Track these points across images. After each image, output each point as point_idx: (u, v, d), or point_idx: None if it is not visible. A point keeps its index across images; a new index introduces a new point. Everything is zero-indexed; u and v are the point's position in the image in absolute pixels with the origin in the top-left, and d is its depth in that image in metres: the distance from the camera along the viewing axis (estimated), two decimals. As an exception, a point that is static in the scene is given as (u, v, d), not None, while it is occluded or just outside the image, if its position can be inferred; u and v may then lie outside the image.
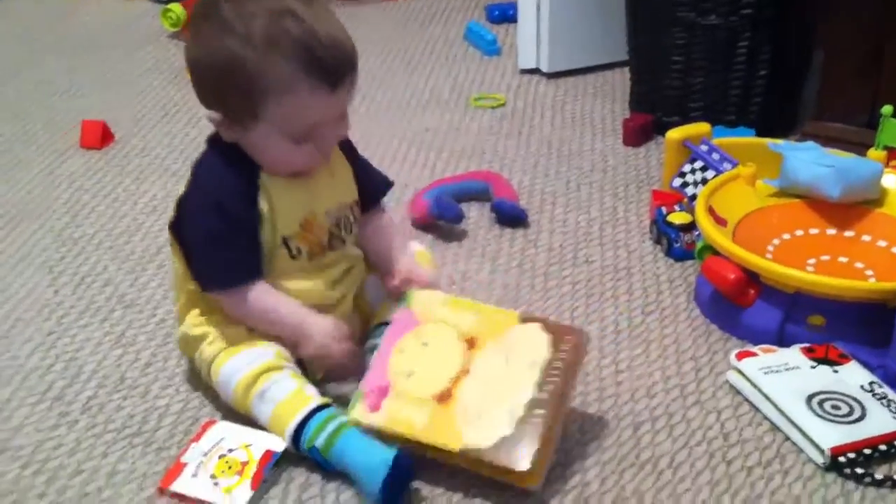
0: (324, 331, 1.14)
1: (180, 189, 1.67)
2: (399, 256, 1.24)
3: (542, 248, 1.53)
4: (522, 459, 1.02)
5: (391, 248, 1.25)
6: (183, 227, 1.16)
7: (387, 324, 1.18)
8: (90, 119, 1.89)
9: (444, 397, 1.08)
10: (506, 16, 2.46)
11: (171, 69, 2.23)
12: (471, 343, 1.12)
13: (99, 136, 1.86)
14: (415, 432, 1.06)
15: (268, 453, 1.08)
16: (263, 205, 1.13)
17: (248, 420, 1.12)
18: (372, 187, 1.26)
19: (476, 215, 1.62)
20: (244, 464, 1.07)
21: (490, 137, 1.89)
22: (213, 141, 1.17)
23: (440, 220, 1.56)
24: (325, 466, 1.08)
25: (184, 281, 1.19)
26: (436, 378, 1.10)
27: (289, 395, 1.10)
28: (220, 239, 1.13)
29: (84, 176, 1.76)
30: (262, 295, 1.14)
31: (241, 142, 1.13)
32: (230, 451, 1.09)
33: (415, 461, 1.05)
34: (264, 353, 1.13)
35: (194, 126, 1.95)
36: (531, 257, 1.50)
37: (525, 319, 1.14)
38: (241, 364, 1.12)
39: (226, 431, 1.11)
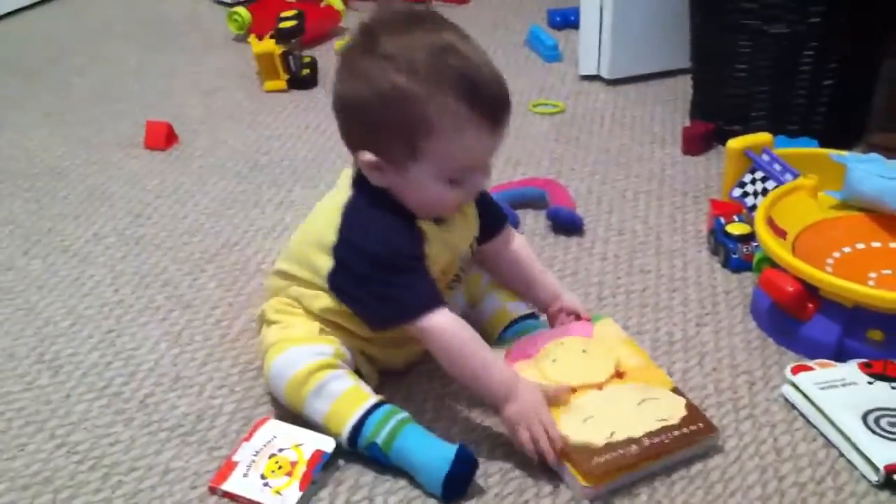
0: (537, 398, 1.08)
1: (242, 189, 1.70)
2: (558, 287, 1.26)
3: (596, 256, 1.52)
4: (594, 463, 1.06)
5: (542, 277, 1.26)
6: (345, 268, 1.12)
7: (526, 317, 1.27)
8: (155, 120, 1.93)
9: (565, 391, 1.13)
10: (568, 21, 2.45)
11: (236, 72, 2.26)
12: (619, 375, 1.16)
13: (163, 137, 1.89)
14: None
15: (317, 453, 1.09)
16: (427, 250, 1.12)
17: (299, 417, 1.14)
18: (491, 220, 1.24)
19: (532, 222, 1.62)
20: (294, 464, 1.08)
21: (548, 144, 1.89)
22: (361, 186, 1.13)
23: (496, 227, 1.56)
24: (385, 463, 1.09)
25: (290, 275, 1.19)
26: (571, 375, 1.14)
27: (347, 392, 1.11)
28: (398, 271, 1.09)
29: (147, 176, 1.79)
30: (456, 326, 1.09)
31: (393, 186, 1.10)
32: (280, 450, 1.10)
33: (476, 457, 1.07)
34: (323, 350, 1.14)
35: (256, 129, 1.97)
36: (586, 265, 1.50)
37: (676, 391, 1.16)
38: (298, 357, 1.13)
39: (277, 430, 1.13)
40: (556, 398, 1.10)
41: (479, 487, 1.08)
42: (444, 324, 1.08)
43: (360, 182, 1.14)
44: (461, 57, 1.04)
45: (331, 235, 1.12)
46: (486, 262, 1.27)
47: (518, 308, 1.28)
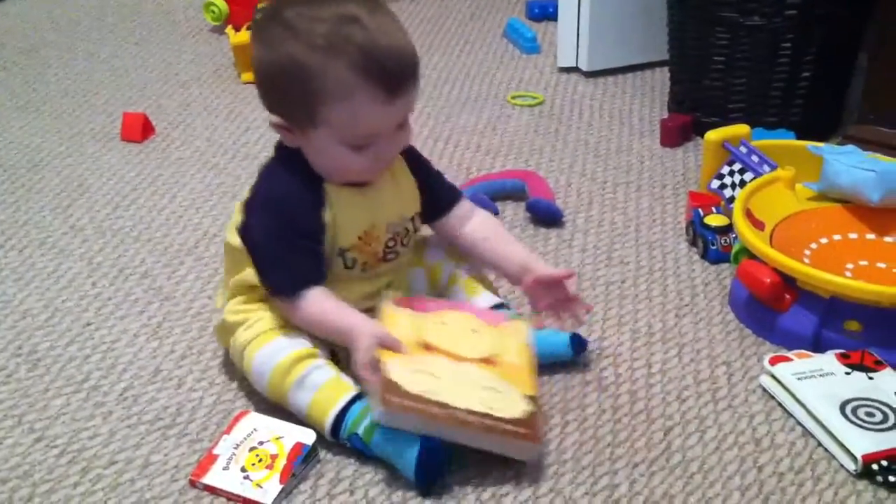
0: (371, 331, 1.09)
1: (220, 181, 1.70)
2: (526, 259, 1.23)
3: (576, 247, 1.53)
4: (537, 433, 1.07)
5: (508, 251, 1.25)
6: (248, 231, 1.16)
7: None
8: (131, 111, 1.91)
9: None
10: (546, 13, 2.45)
11: (212, 63, 2.25)
12: (487, 361, 1.13)
13: (140, 129, 1.88)
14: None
15: (297, 446, 1.08)
16: (328, 216, 1.14)
17: (279, 410, 1.14)
18: (437, 197, 1.25)
19: (511, 214, 1.62)
20: (274, 457, 1.08)
21: (527, 136, 1.89)
22: (280, 148, 1.18)
23: (475, 218, 1.56)
24: (366, 453, 1.09)
25: (232, 272, 1.20)
26: (442, 339, 1.13)
27: (329, 382, 1.11)
28: (285, 246, 1.13)
29: (124, 168, 1.78)
30: (319, 299, 1.13)
31: (303, 148, 1.14)
32: (261, 443, 1.10)
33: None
34: (300, 340, 1.14)
35: (233, 120, 1.96)
36: (566, 257, 1.50)
37: (530, 398, 1.10)
38: (278, 348, 1.13)
39: (257, 423, 1.12)
40: (390, 345, 1.08)
41: (458, 478, 1.08)
42: (311, 301, 1.12)
43: (279, 145, 1.18)
44: (360, 27, 1.07)
45: (247, 193, 1.18)
46: (451, 243, 1.27)
47: (481, 303, 1.24)
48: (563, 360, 1.24)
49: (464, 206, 1.27)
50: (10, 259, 1.50)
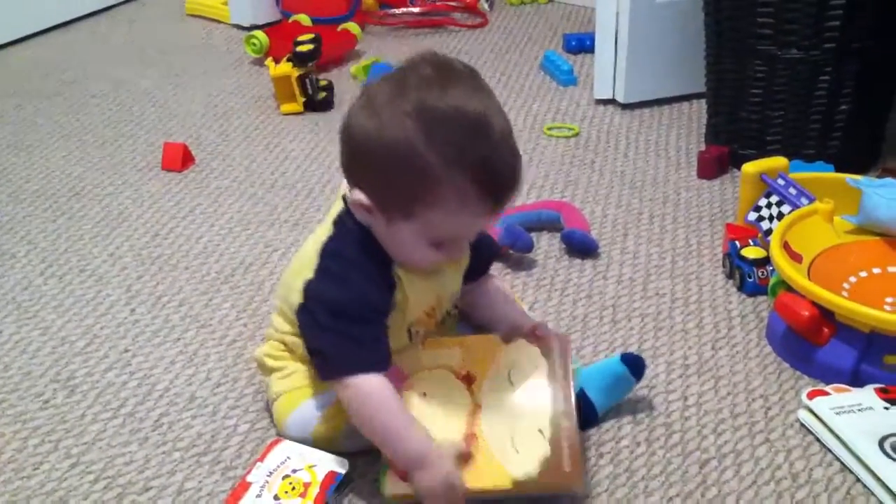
0: (447, 470, 1.03)
1: (258, 210, 1.71)
2: (518, 319, 1.21)
3: (611, 279, 1.52)
4: (572, 472, 1.05)
5: (513, 312, 1.23)
6: (309, 311, 1.09)
7: None
8: (172, 141, 1.94)
9: (469, 440, 1.07)
10: (583, 46, 2.46)
11: (252, 94, 2.27)
12: (468, 379, 1.13)
13: (180, 159, 1.90)
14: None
15: (331, 474, 1.09)
16: (398, 296, 1.10)
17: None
18: (481, 257, 1.23)
19: (546, 245, 1.62)
20: (307, 485, 1.08)
21: (563, 167, 1.89)
22: (344, 222, 1.11)
23: (511, 249, 1.56)
24: None
25: (280, 330, 1.18)
26: (452, 426, 1.08)
27: None
28: (356, 325, 1.07)
29: (164, 197, 1.80)
30: (380, 388, 1.05)
31: (376, 230, 1.08)
32: (294, 471, 1.10)
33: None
34: (329, 396, 1.13)
35: (272, 151, 1.98)
36: (600, 288, 1.50)
37: (506, 339, 1.16)
38: (311, 411, 1.14)
39: (291, 451, 1.13)
40: (464, 456, 1.05)
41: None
42: (372, 385, 1.05)
43: (342, 220, 1.12)
44: (486, 137, 1.01)
45: (308, 272, 1.10)
46: (470, 299, 1.25)
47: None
48: (626, 391, 1.22)
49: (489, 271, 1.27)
50: (51, 286, 1.53)
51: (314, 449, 1.12)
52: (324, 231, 1.13)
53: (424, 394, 1.11)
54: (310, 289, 1.09)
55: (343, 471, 1.09)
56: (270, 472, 1.10)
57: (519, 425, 1.08)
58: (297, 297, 1.10)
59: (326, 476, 1.09)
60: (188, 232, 1.68)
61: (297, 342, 1.16)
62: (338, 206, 1.13)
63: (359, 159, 1.06)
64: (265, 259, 1.59)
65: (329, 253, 1.10)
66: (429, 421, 1.07)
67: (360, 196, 1.06)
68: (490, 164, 1.01)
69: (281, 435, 1.17)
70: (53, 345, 1.38)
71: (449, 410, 1.10)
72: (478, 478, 1.04)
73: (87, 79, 2.39)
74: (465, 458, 1.05)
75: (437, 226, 1.04)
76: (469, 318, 1.26)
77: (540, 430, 1.07)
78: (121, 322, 1.43)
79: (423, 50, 1.08)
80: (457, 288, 1.19)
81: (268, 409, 1.22)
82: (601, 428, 1.20)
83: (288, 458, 1.12)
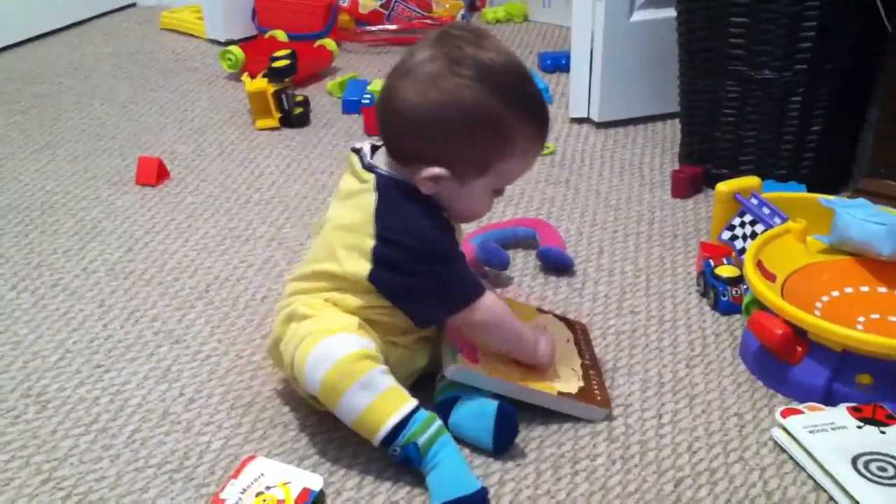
0: (551, 341, 1.25)
1: (233, 226, 1.70)
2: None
3: (587, 297, 1.53)
4: (602, 399, 1.26)
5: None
6: (392, 268, 1.14)
7: None
8: (147, 155, 1.93)
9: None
10: (558, 65, 2.47)
11: (228, 109, 2.27)
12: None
13: (154, 174, 1.89)
14: (515, 379, 1.21)
15: (304, 491, 1.08)
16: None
17: (286, 455, 1.12)
18: None
19: (522, 262, 1.62)
20: (281, 502, 1.07)
21: (538, 185, 1.90)
22: (386, 188, 1.15)
23: (486, 266, 1.56)
24: (415, 464, 1.10)
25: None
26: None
27: (392, 388, 1.11)
28: (448, 262, 1.16)
29: (138, 212, 1.79)
30: (498, 302, 1.21)
31: (442, 194, 1.15)
32: (268, 488, 1.09)
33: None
34: (365, 342, 1.12)
35: (247, 166, 1.98)
36: (576, 306, 1.50)
37: (540, 310, 1.40)
38: (341, 345, 1.10)
39: (265, 468, 1.12)
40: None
41: None
42: (490, 304, 1.18)
43: (384, 184, 1.15)
44: (529, 79, 1.15)
45: (367, 241, 1.14)
46: None
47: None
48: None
49: None
50: (23, 300, 1.51)
51: (289, 466, 1.12)
52: (364, 199, 1.15)
53: None
54: (385, 251, 1.14)
55: (317, 488, 1.09)
56: (244, 490, 1.09)
57: (557, 364, 1.27)
58: (362, 268, 1.14)
59: (300, 493, 1.08)
60: (162, 247, 1.67)
61: (335, 297, 1.17)
62: (352, 182, 1.18)
63: (433, 134, 1.12)
64: (240, 275, 1.58)
65: (388, 214, 1.14)
66: None
67: (434, 171, 1.12)
68: (538, 102, 1.16)
69: (294, 378, 1.15)
70: (25, 359, 1.37)
71: None
72: (530, 381, 1.22)
73: (60, 92, 2.37)
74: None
75: (509, 173, 1.17)
76: None
77: (573, 369, 1.28)
78: (93, 337, 1.42)
79: (437, 29, 1.18)
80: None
81: (241, 422, 1.22)
82: (576, 445, 1.20)
83: (262, 474, 1.11)
